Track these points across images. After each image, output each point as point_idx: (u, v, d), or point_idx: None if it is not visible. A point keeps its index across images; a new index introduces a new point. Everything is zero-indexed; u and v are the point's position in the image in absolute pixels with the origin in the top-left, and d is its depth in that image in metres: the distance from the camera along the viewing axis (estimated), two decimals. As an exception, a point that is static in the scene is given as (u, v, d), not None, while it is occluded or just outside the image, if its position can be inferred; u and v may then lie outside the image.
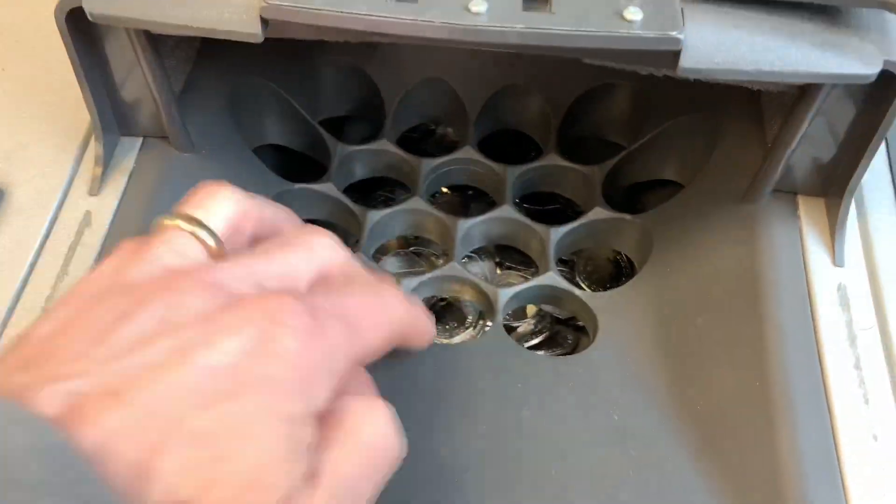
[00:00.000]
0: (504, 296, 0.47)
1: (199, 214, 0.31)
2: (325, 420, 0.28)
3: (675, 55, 0.33)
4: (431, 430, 0.39)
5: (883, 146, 0.46)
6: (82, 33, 0.40)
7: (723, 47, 0.33)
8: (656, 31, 0.32)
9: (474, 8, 0.33)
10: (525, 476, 0.37)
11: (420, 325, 0.36)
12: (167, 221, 0.30)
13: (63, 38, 0.39)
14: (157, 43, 0.41)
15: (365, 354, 0.31)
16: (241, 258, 0.30)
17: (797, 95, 0.39)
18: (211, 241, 0.30)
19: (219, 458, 0.24)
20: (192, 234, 0.30)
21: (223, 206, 0.32)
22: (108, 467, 0.22)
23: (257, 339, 0.26)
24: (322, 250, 0.32)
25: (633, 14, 0.33)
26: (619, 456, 0.38)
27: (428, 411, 0.40)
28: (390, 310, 0.33)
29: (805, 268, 0.41)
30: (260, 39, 0.35)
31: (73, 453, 0.21)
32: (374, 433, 0.29)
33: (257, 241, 0.33)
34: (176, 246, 0.29)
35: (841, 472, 0.35)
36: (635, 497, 0.37)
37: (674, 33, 0.32)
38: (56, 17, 0.38)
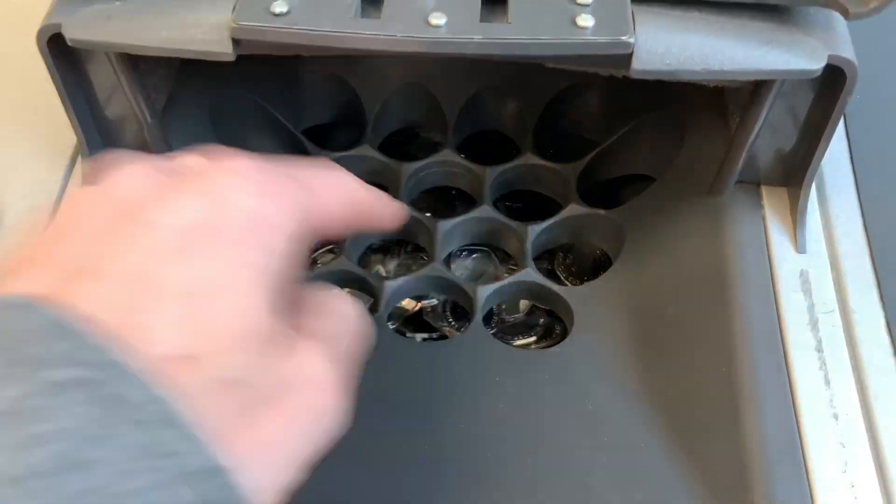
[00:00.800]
0: (483, 293, 0.49)
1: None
2: (300, 303, 0.28)
3: (628, 58, 0.35)
4: (415, 423, 0.41)
5: (843, 135, 0.47)
6: (64, 56, 0.41)
7: (672, 50, 0.35)
8: (607, 36, 0.34)
9: (434, 21, 0.34)
10: (501, 466, 0.39)
11: (383, 203, 0.34)
12: None
13: (46, 62, 0.40)
14: (138, 62, 0.43)
15: (321, 218, 0.30)
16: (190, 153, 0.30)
17: (752, 90, 0.40)
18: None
19: (204, 311, 0.24)
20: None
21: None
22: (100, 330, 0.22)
23: (216, 198, 0.26)
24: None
25: (586, 21, 0.34)
26: (592, 443, 0.40)
27: (411, 405, 0.42)
28: (347, 181, 0.32)
29: (769, 256, 0.43)
30: (232, 58, 0.36)
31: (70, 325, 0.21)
32: (350, 308, 0.30)
33: None
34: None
35: (803, 452, 0.37)
36: (606, 481, 0.38)
37: (624, 38, 0.34)
38: (38, 42, 0.39)
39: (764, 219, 0.44)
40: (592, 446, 0.40)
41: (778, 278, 0.42)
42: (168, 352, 0.23)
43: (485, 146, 0.62)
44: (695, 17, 0.36)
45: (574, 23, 0.34)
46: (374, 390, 0.42)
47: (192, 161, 0.29)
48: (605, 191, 0.58)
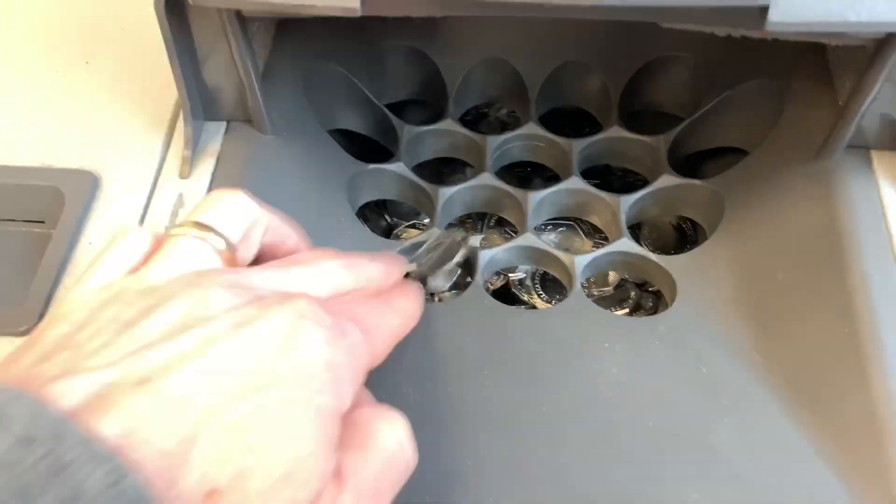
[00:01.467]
0: (580, 263, 0.49)
1: (210, 221, 0.31)
2: (345, 425, 0.28)
3: (763, 11, 0.34)
4: (530, 389, 0.40)
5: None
6: (174, 19, 0.41)
7: (809, 1, 0.34)
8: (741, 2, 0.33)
9: None
10: (624, 429, 0.38)
11: (415, 320, 0.39)
12: (179, 230, 0.30)
13: (160, 23, 0.40)
14: (247, 25, 0.43)
15: (374, 360, 0.32)
16: (260, 268, 0.31)
17: (873, 50, 0.40)
18: (223, 247, 0.30)
19: (254, 448, 0.23)
20: (205, 240, 0.30)
21: (234, 212, 0.32)
22: (137, 454, 0.21)
23: (287, 333, 0.26)
24: (332, 272, 0.33)
25: None
26: (712, 405, 0.39)
27: (523, 372, 0.41)
28: (396, 318, 0.35)
29: (885, 219, 0.42)
30: (358, 13, 0.36)
31: (94, 444, 0.20)
32: (392, 441, 0.29)
33: (267, 248, 0.34)
34: (190, 252, 0.29)
35: (937, 413, 0.36)
36: (731, 443, 0.38)
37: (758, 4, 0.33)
38: (156, 6, 0.39)
39: (877, 183, 0.44)
40: (713, 409, 0.39)
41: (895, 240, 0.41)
42: (206, 489, 0.22)
43: (563, 123, 0.61)
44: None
45: None
46: (484, 359, 0.42)
47: (270, 285, 0.29)
48: (685, 165, 0.58)
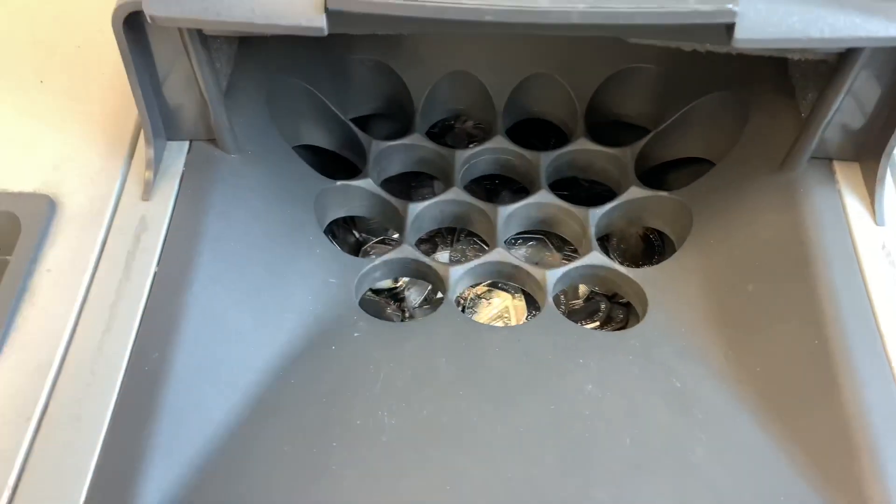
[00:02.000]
0: (552, 277, 0.48)
1: None
2: None
3: (730, 28, 0.34)
4: (505, 407, 0.40)
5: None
6: (133, 38, 0.40)
7: (774, 18, 0.34)
8: (713, 5, 0.34)
9: None
10: (601, 446, 0.38)
11: None
12: None
13: (119, 42, 0.39)
14: (209, 42, 0.41)
15: None
16: None
17: (835, 64, 0.40)
18: None
19: None
20: None
21: None
22: None
23: None
24: None
25: None
26: (687, 420, 0.39)
27: (498, 390, 0.41)
28: None
29: (849, 228, 0.43)
30: (325, 33, 0.35)
31: None
32: None
33: None
34: None
35: (905, 420, 0.37)
36: (708, 457, 0.38)
37: (729, 6, 0.34)
38: (113, 21, 0.38)
39: (839, 192, 0.44)
40: (687, 423, 0.39)
41: (860, 250, 0.42)
42: None
43: (531, 134, 0.61)
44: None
45: None
46: (459, 378, 0.41)
47: None
48: (655, 177, 0.58)
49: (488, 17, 0.34)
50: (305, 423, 0.38)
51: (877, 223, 0.43)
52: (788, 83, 0.48)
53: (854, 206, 0.44)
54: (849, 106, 0.42)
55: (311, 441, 0.38)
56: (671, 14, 0.34)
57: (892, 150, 0.42)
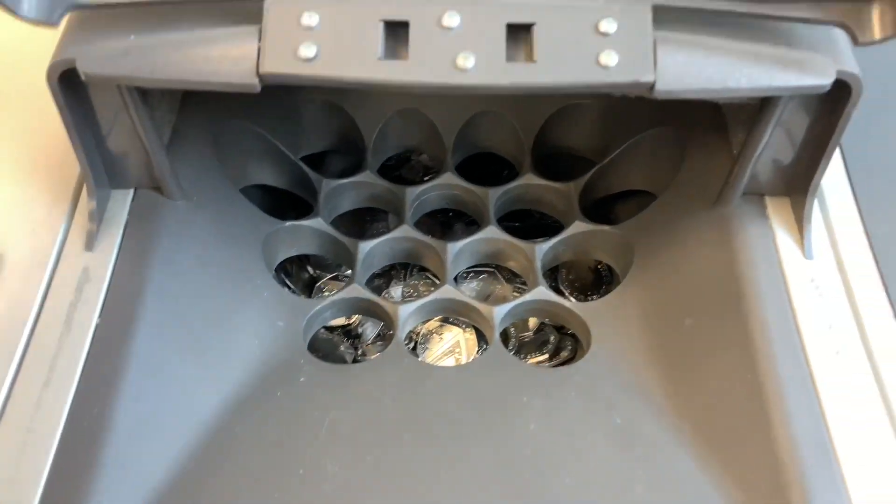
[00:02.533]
0: (499, 313, 0.49)
1: None
2: None
3: (651, 85, 0.36)
4: (449, 448, 0.40)
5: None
6: (72, 91, 0.40)
7: (693, 71, 0.36)
8: (630, 77, 0.35)
9: (461, 63, 0.35)
10: (541, 486, 0.39)
11: None
12: None
13: (55, 98, 0.39)
14: (147, 95, 0.42)
15: None
16: None
17: (759, 106, 0.42)
18: None
19: None
20: None
21: None
22: None
23: None
24: None
25: (609, 58, 0.35)
26: (626, 456, 0.40)
27: (443, 431, 0.41)
28: None
29: (779, 263, 0.44)
30: (257, 90, 0.36)
31: None
32: None
33: None
34: None
35: (833, 450, 0.38)
36: (646, 494, 0.38)
37: (645, 78, 0.35)
38: (49, 78, 0.38)
39: (771, 228, 0.46)
40: (627, 459, 0.40)
41: (790, 284, 0.43)
42: None
43: (481, 168, 0.62)
44: (712, 37, 0.37)
45: (598, 62, 0.35)
46: (404, 421, 0.42)
47: None
48: (602, 208, 0.59)
49: (417, 91, 0.36)
50: (248, 473, 0.39)
51: (806, 257, 0.45)
52: (723, 121, 0.50)
53: (785, 240, 0.45)
54: (775, 145, 0.44)
55: (254, 492, 0.38)
56: (591, 85, 0.35)
57: (817, 187, 0.44)
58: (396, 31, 0.36)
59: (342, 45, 0.35)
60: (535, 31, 0.35)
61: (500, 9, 0.36)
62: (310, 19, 0.35)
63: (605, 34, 0.35)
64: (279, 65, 0.35)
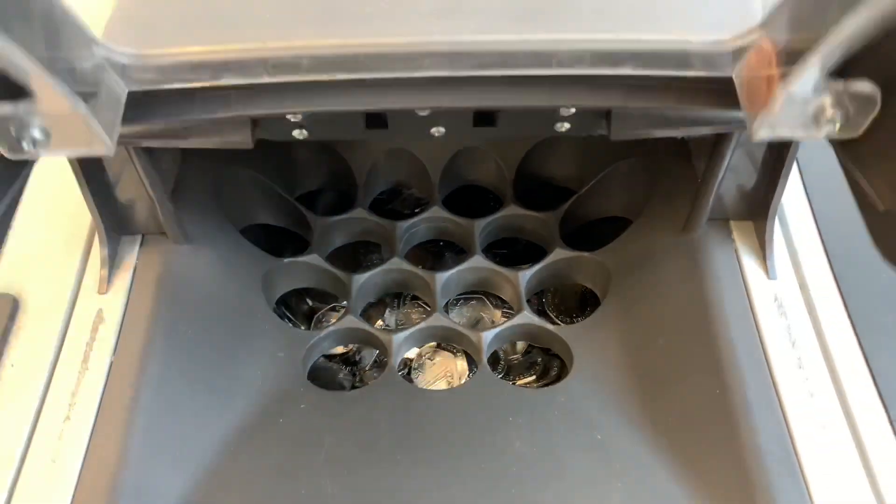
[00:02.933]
0: (487, 338, 0.52)
1: None
2: None
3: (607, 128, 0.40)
4: (439, 469, 0.43)
5: (795, 168, 0.52)
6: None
7: (643, 119, 0.39)
8: (584, 132, 0.39)
9: (434, 132, 0.40)
10: (523, 500, 0.42)
11: None
12: None
13: (69, 159, 0.43)
14: (152, 149, 0.46)
15: None
16: None
17: (716, 138, 0.45)
18: None
19: None
20: None
21: None
22: None
23: None
24: None
25: (563, 127, 0.39)
26: (606, 471, 0.43)
27: (433, 453, 0.44)
28: None
29: (744, 284, 0.47)
30: (251, 146, 0.40)
31: None
32: None
33: None
34: None
35: (798, 461, 0.41)
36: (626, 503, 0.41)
37: (599, 132, 0.39)
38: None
39: (736, 251, 0.49)
40: (607, 474, 0.43)
41: (755, 303, 0.47)
42: None
43: (467, 199, 0.66)
44: (656, 95, 0.40)
45: (553, 129, 0.39)
46: (398, 443, 0.45)
47: None
48: (584, 233, 0.63)
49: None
50: (254, 495, 0.42)
51: (769, 277, 0.48)
52: (688, 151, 0.53)
53: (749, 262, 0.48)
54: (735, 173, 0.47)
55: (259, 514, 0.41)
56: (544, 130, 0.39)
57: (776, 210, 0.47)
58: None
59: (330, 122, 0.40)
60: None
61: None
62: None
63: (564, 117, 0.40)
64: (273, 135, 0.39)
